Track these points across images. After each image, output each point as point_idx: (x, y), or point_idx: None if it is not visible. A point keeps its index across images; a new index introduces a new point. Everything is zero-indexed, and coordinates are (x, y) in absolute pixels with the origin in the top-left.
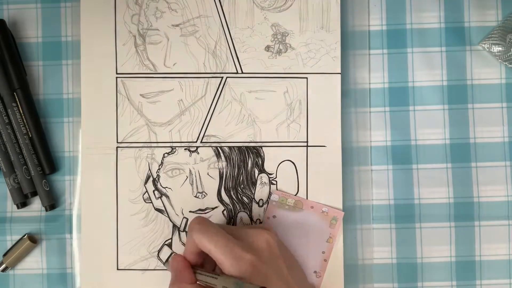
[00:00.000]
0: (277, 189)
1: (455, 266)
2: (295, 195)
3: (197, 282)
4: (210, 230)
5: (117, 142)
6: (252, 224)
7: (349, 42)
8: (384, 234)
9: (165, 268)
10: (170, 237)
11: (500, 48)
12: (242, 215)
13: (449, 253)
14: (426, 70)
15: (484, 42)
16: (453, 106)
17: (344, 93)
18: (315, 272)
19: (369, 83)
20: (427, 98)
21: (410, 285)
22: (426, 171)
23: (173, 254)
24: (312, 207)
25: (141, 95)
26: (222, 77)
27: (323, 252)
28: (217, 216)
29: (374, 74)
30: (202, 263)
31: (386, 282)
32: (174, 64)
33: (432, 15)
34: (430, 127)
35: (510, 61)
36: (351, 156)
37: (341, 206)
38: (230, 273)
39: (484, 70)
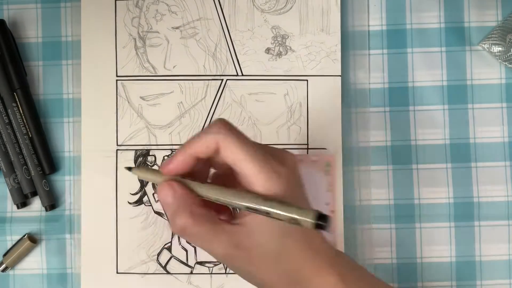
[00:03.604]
0: None
1: (455, 266)
2: None
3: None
4: (242, 137)
5: (117, 145)
6: None
7: (349, 42)
8: (384, 234)
9: (164, 267)
10: (170, 240)
11: (500, 48)
12: None
13: (449, 253)
14: (426, 70)
15: (484, 42)
16: (453, 106)
17: (344, 93)
18: None
19: (369, 83)
20: (427, 98)
21: (410, 285)
22: (426, 171)
23: (161, 183)
24: (301, 161)
25: (141, 97)
26: (222, 80)
27: (327, 204)
28: None
29: (374, 74)
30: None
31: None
32: (174, 67)
33: (432, 15)
34: (430, 127)
35: (510, 61)
36: (351, 156)
37: (342, 208)
38: (264, 189)
39: (484, 70)
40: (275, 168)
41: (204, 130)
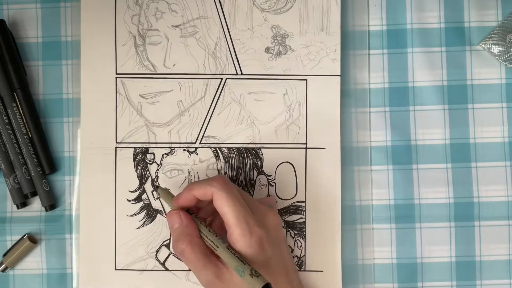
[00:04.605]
0: (275, 192)
1: (455, 266)
2: (294, 197)
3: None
4: (232, 193)
5: (116, 142)
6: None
7: (349, 42)
8: (384, 234)
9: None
10: (168, 237)
11: (500, 48)
12: None
13: (449, 253)
14: (426, 70)
15: (484, 42)
16: (453, 106)
17: (344, 93)
18: None
19: (369, 83)
20: (427, 98)
21: (410, 285)
22: (426, 171)
23: (171, 210)
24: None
25: (140, 95)
26: (221, 78)
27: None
28: None
29: (374, 74)
30: (197, 209)
31: (386, 282)
32: (174, 65)
33: (432, 15)
34: (430, 127)
35: (510, 61)
36: (351, 156)
37: (339, 208)
38: (237, 242)
39: (484, 70)
40: (250, 227)
41: (206, 180)
